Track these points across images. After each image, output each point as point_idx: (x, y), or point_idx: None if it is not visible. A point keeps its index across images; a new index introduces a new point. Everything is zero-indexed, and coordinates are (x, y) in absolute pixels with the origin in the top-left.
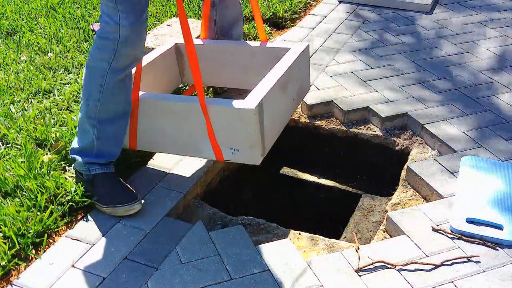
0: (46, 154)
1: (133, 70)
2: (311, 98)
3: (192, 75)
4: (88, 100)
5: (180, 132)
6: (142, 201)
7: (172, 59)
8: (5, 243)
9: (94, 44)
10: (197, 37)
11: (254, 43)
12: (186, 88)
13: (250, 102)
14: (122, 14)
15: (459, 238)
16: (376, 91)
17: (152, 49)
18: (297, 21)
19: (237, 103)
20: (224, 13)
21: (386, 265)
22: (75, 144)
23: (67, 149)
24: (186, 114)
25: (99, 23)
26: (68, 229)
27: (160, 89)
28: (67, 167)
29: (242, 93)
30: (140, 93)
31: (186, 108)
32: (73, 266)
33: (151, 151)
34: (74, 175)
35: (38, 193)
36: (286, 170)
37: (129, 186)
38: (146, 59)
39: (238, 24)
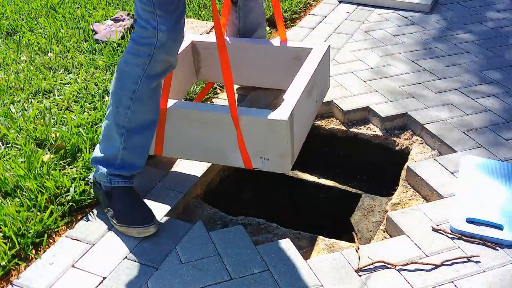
0: (46, 154)
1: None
2: None
3: (224, 85)
4: (118, 108)
5: (209, 141)
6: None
7: (189, 57)
8: (5, 243)
9: (128, 49)
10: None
11: (274, 42)
12: (203, 86)
13: (282, 113)
14: (161, 19)
15: (459, 238)
16: (376, 91)
17: None
18: (297, 21)
19: (268, 114)
20: (247, 16)
21: (386, 265)
22: (97, 152)
23: (67, 148)
24: (217, 124)
25: (98, 22)
26: (68, 229)
27: (177, 86)
28: (66, 166)
29: (251, 89)
30: (169, 101)
31: (217, 118)
32: (73, 266)
33: (176, 157)
34: (91, 183)
35: (38, 193)
36: None
37: (147, 205)
38: None
39: (261, 27)
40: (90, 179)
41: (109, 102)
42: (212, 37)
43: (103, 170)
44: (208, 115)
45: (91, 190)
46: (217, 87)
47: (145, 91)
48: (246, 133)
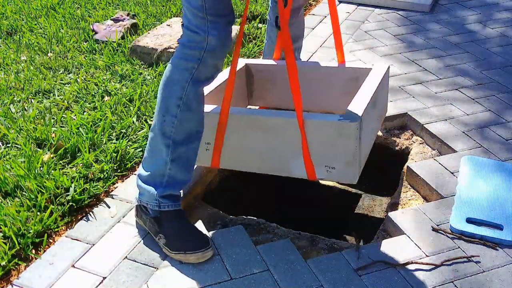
0: (46, 154)
1: (218, 81)
2: None
3: (291, 88)
4: (164, 116)
5: (271, 149)
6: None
7: (242, 81)
8: (5, 243)
9: (176, 54)
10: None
11: (332, 64)
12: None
13: (352, 116)
14: (212, 24)
15: (459, 238)
16: None
17: (153, 49)
18: None
19: (337, 117)
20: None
21: (386, 265)
22: (142, 171)
23: (66, 146)
24: (280, 129)
25: (98, 22)
26: (68, 229)
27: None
28: (66, 165)
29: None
30: (232, 109)
31: (281, 123)
32: (73, 266)
33: (234, 169)
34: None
35: (38, 193)
36: None
37: (197, 228)
38: (218, 81)
39: (298, 40)
40: (135, 203)
41: (155, 113)
42: (269, 61)
43: (152, 191)
44: (271, 120)
45: (135, 217)
46: None
47: (192, 97)
48: (311, 139)
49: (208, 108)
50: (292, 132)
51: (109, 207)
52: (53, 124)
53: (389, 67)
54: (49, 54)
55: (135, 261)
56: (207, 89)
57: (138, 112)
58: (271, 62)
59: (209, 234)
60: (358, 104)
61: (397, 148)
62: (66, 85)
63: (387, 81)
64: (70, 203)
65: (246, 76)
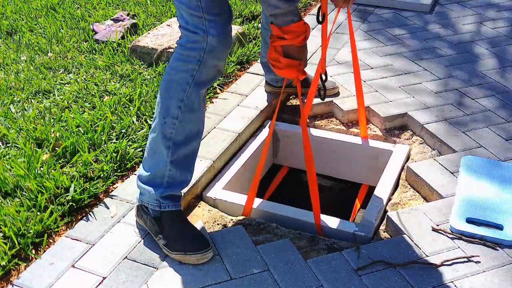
0: (45, 153)
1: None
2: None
3: (311, 196)
4: (165, 118)
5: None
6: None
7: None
8: (5, 243)
9: (175, 56)
10: None
11: (355, 138)
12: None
13: (366, 227)
14: (210, 24)
15: (459, 238)
16: (376, 91)
17: (153, 49)
18: None
19: (353, 227)
20: None
21: (386, 265)
22: (142, 171)
23: (65, 145)
24: (300, 227)
25: (98, 22)
26: (68, 229)
27: (254, 168)
28: (66, 164)
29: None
30: (256, 200)
31: (300, 224)
32: (73, 266)
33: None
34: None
35: (38, 193)
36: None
37: (198, 229)
38: (252, 148)
39: None
40: (134, 203)
41: (155, 114)
42: (296, 127)
43: (152, 191)
44: (291, 220)
45: (136, 217)
46: (217, 86)
47: (193, 99)
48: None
49: (235, 198)
50: (311, 230)
51: (108, 208)
52: (53, 124)
53: (409, 150)
54: (49, 54)
55: (135, 261)
56: (236, 167)
57: (138, 112)
58: (297, 129)
59: (209, 234)
60: (374, 209)
61: None
62: (66, 85)
63: (406, 160)
64: (70, 203)
65: (273, 138)
